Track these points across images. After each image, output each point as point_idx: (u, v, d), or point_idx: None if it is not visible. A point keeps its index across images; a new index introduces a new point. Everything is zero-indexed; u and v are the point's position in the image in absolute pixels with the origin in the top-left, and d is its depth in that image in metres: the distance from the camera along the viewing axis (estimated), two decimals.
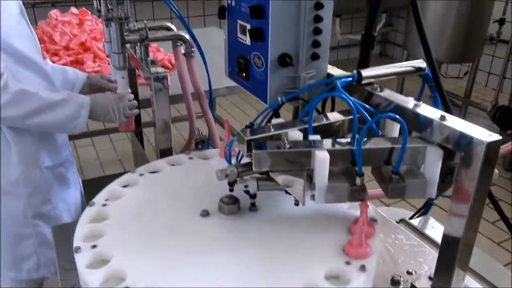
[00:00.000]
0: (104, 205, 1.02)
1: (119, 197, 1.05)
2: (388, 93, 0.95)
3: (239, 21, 1.08)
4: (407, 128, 0.79)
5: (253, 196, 0.87)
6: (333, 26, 4.80)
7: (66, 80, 1.39)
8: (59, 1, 4.02)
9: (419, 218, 1.36)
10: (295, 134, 0.86)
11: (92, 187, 1.48)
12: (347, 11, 4.57)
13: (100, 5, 1.29)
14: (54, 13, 2.10)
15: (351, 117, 0.87)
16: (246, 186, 0.84)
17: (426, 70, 1.01)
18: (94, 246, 0.88)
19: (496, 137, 0.72)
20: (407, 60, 3.91)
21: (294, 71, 1.02)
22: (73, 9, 2.18)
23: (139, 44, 1.28)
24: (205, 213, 0.93)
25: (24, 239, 1.37)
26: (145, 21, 1.27)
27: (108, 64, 2.02)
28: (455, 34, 3.60)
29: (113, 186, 1.10)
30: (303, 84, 1.02)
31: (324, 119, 0.94)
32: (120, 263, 0.83)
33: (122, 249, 0.88)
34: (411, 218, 1.35)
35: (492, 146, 0.71)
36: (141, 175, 1.13)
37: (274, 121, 0.93)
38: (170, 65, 2.06)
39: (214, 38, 2.50)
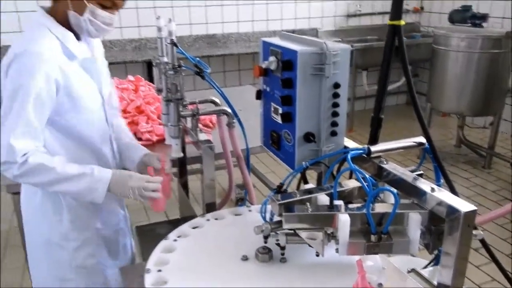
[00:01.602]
0: (175, 240, 1.30)
1: (186, 236, 1.32)
2: (392, 166, 1.17)
3: (272, 104, 1.35)
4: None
5: (283, 248, 1.10)
6: (361, 79, 5.09)
7: (126, 158, 1.66)
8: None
9: (430, 268, 1.53)
10: (323, 198, 1.09)
11: (142, 235, 1.74)
12: (372, 65, 4.84)
13: (161, 85, 1.61)
14: (115, 80, 2.46)
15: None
16: (277, 240, 1.07)
17: (426, 145, 1.24)
18: (159, 270, 1.15)
19: (472, 207, 0.93)
20: (431, 112, 4.11)
21: (317, 145, 1.27)
22: (130, 77, 2.55)
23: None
24: (245, 258, 1.17)
25: (66, 281, 1.56)
26: (197, 100, 1.56)
27: (160, 124, 2.34)
28: (476, 88, 3.78)
29: (185, 227, 1.37)
30: (323, 155, 1.27)
31: (341, 187, 1.18)
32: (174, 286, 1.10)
33: (179, 276, 1.13)
34: (424, 268, 1.52)
35: (469, 215, 0.92)
36: (207, 220, 1.41)
37: (305, 186, 1.17)
38: (211, 124, 2.35)
39: (248, 96, 2.79)
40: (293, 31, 5.15)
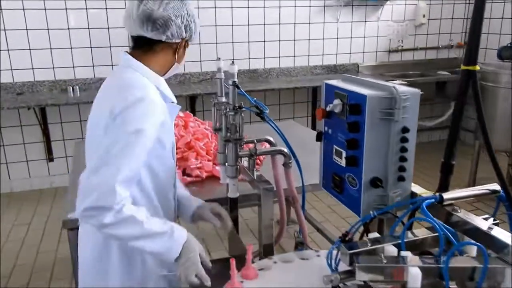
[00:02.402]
0: (242, 281, 1.27)
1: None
2: (465, 214, 1.12)
3: (335, 146, 1.33)
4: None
5: None
6: None
7: (181, 208, 1.63)
8: None
9: None
10: (390, 248, 1.05)
11: None
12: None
13: (219, 125, 1.62)
14: None
15: (434, 234, 1.06)
16: None
17: (501, 193, 1.18)
18: None
19: None
20: (479, 150, 3.97)
21: (383, 191, 1.23)
22: (180, 113, 2.60)
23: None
24: None
25: None
26: (255, 140, 1.57)
27: (208, 160, 2.36)
28: None
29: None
30: (391, 201, 1.23)
31: (411, 235, 1.13)
32: None
33: None
34: None
35: None
36: (274, 262, 1.37)
37: (371, 235, 1.13)
38: (259, 162, 2.35)
39: (290, 131, 2.77)
40: (335, 66, 5.18)
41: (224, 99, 1.62)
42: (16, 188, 4.48)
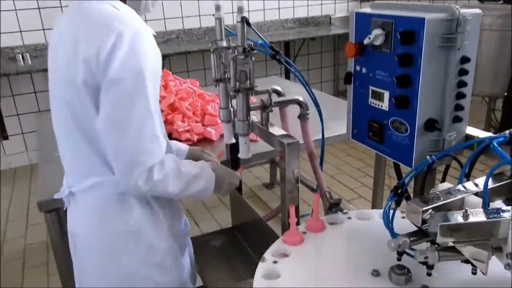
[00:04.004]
0: (275, 262, 1.05)
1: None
2: None
3: (371, 88, 1.12)
4: None
5: (430, 267, 0.88)
6: None
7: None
8: None
9: None
10: (473, 199, 0.87)
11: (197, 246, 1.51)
12: None
13: (220, 75, 1.37)
14: None
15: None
16: (426, 257, 0.85)
17: None
18: (275, 262, 1.00)
19: None
20: None
21: (438, 134, 1.04)
22: None
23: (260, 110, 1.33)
24: (377, 273, 0.94)
25: None
26: (270, 89, 1.33)
27: (196, 122, 2.10)
28: None
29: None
30: (447, 145, 1.04)
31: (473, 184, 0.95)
32: None
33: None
34: None
35: None
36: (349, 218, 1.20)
37: (441, 186, 0.94)
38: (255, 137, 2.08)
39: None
40: (306, 19, 4.93)
41: (224, 44, 1.36)
42: None
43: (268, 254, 1.04)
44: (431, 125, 1.01)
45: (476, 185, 0.93)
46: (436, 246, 0.85)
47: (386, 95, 1.08)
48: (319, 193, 1.36)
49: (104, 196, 1.19)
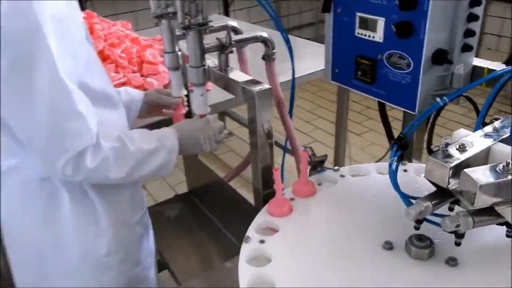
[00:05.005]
0: (262, 241, 0.83)
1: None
2: None
3: (359, 14, 0.90)
4: None
5: (461, 236, 0.71)
6: None
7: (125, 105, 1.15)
8: None
9: None
10: (503, 148, 0.69)
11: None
12: None
13: (161, 9, 1.07)
14: None
15: None
16: (457, 226, 0.68)
17: None
18: (262, 241, 0.80)
19: None
20: None
21: (447, 68, 0.85)
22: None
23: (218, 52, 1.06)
24: (389, 246, 0.76)
25: None
26: (228, 25, 1.06)
27: (133, 72, 1.78)
28: None
29: None
30: (457, 81, 0.86)
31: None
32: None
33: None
34: None
35: None
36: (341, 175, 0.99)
37: (457, 134, 0.76)
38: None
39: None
40: None
41: None
42: None
43: (251, 232, 0.83)
44: (440, 56, 0.81)
45: (497, 130, 0.76)
46: (466, 210, 0.68)
47: (381, 22, 0.86)
48: (292, 149, 1.16)
49: (23, 181, 0.90)
